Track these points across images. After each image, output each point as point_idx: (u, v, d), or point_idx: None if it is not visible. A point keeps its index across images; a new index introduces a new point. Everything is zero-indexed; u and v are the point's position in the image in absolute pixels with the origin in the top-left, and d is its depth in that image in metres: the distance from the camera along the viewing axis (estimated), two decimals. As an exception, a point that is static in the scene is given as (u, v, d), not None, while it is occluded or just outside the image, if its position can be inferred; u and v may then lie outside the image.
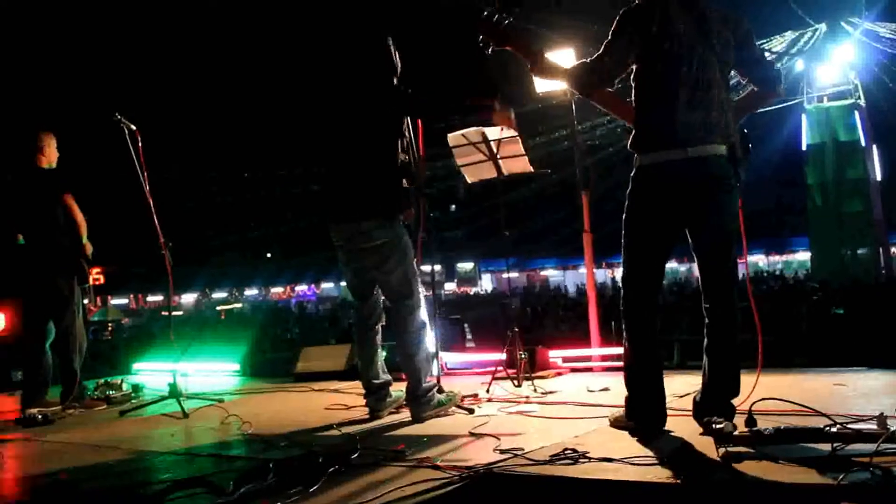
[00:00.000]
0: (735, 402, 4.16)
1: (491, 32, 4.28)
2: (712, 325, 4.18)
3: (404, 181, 5.32)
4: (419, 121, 5.47)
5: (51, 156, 6.97)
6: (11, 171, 6.99)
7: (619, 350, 7.17)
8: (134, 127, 6.40)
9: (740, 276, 4.46)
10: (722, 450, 3.48)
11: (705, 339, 4.20)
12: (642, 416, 4.19)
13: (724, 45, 4.14)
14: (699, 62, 4.08)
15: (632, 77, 4.23)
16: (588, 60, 4.22)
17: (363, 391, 5.55)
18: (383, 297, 5.56)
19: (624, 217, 4.25)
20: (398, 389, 5.57)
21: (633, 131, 4.20)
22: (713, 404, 4.07)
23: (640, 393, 4.22)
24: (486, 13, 4.24)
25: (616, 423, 4.38)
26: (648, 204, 4.16)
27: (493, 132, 6.09)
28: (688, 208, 4.12)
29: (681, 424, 4.24)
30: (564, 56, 6.54)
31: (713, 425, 3.63)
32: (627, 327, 4.27)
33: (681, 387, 5.14)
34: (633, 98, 4.23)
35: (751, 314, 4.38)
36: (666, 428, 4.22)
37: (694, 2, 4.15)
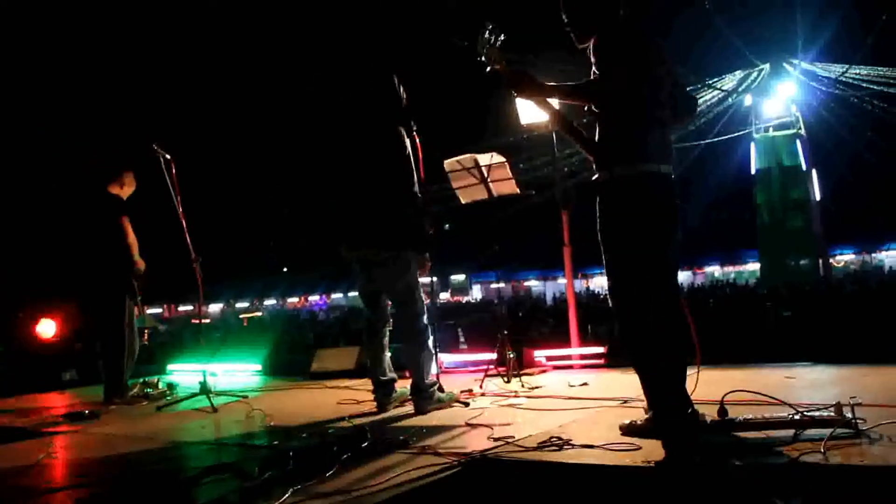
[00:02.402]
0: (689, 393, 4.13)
1: (489, 50, 4.18)
2: None
3: (415, 215, 5.27)
4: (419, 147, 5.44)
5: (124, 191, 7.13)
6: (79, 192, 7.09)
7: (596, 349, 7.22)
8: (168, 156, 6.40)
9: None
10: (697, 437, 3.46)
11: None
12: (676, 426, 3.67)
13: (665, 75, 4.12)
14: (660, 88, 4.06)
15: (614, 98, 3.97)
16: (600, 77, 3.97)
17: (372, 387, 5.52)
18: (390, 305, 5.55)
19: (599, 229, 3.96)
20: (402, 387, 5.55)
21: (607, 146, 3.94)
22: None
23: (668, 400, 3.75)
24: (486, 29, 4.17)
25: (634, 431, 3.81)
26: (626, 211, 3.86)
27: (484, 158, 6.08)
28: (653, 218, 3.86)
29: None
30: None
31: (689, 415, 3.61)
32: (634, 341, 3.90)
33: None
34: (606, 117, 3.98)
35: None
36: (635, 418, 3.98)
37: (651, 36, 4.14)
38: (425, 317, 5.40)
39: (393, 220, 5.21)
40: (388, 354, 5.56)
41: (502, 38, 4.18)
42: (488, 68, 4.20)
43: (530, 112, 6.67)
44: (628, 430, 3.83)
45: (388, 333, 5.57)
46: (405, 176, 5.23)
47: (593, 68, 4.06)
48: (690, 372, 4.05)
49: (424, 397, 5.21)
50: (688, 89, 4.49)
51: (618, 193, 3.90)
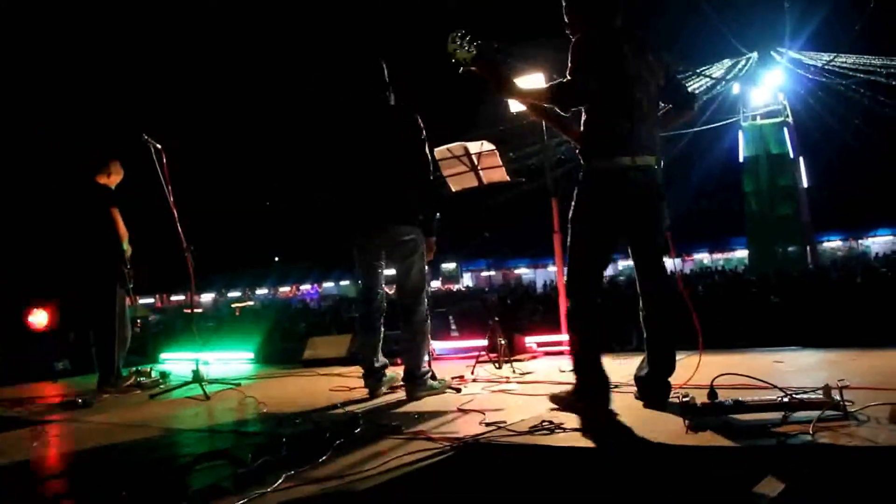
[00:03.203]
0: (686, 378, 4.27)
1: (463, 53, 4.26)
2: (650, 315, 4.21)
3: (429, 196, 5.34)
4: None
5: (112, 180, 7.11)
6: (68, 183, 7.08)
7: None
8: (159, 146, 6.36)
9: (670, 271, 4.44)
10: (687, 420, 3.48)
11: (643, 327, 4.24)
12: (591, 397, 4.11)
13: (655, 72, 4.21)
14: (643, 86, 4.15)
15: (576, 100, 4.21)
16: (565, 82, 4.13)
17: (363, 374, 5.52)
18: (384, 294, 5.55)
19: (572, 215, 4.19)
20: (392, 371, 5.58)
21: (587, 140, 4.18)
22: (654, 381, 4.15)
23: (587, 375, 4.15)
24: (458, 34, 4.23)
25: (558, 402, 4.27)
26: (600, 202, 4.11)
27: (474, 146, 6.07)
28: (632, 209, 4.11)
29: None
30: (534, 80, 6.50)
31: (680, 399, 3.66)
32: (576, 317, 4.21)
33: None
34: (587, 112, 4.19)
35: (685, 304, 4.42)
36: (627, 402, 4.22)
37: (637, 36, 4.23)
38: (426, 305, 5.40)
39: (414, 203, 5.26)
40: (380, 342, 5.55)
41: (476, 42, 4.24)
42: (461, 69, 4.29)
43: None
44: (553, 398, 4.32)
45: (382, 321, 5.57)
46: (425, 161, 5.28)
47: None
48: (682, 357, 4.17)
49: (418, 384, 5.23)
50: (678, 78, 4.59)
51: (594, 184, 4.13)
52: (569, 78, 4.10)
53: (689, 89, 4.55)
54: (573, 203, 4.19)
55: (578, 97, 4.13)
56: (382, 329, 5.57)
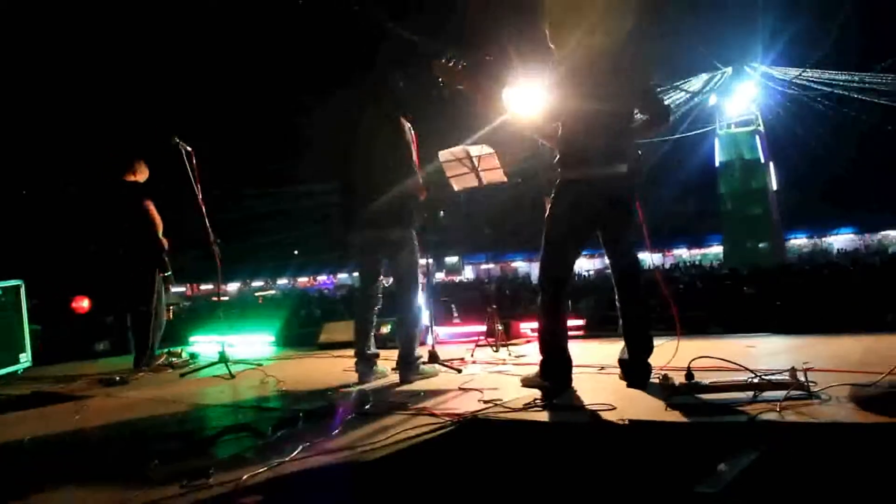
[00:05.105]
0: (666, 361, 4.26)
1: (448, 74, 4.27)
2: (624, 303, 4.28)
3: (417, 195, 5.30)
4: (415, 138, 5.40)
5: (139, 178, 7.12)
6: (100, 184, 7.09)
7: (576, 322, 7.21)
8: (189, 148, 6.35)
9: (649, 265, 4.49)
10: (666, 399, 3.48)
11: (620, 315, 4.29)
12: (556, 377, 4.17)
13: (631, 87, 4.22)
14: (617, 102, 4.17)
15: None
16: (545, 107, 4.26)
17: (355, 358, 5.41)
18: (381, 284, 5.52)
19: (548, 218, 4.25)
20: (385, 367, 5.50)
21: (565, 152, 4.24)
22: (635, 363, 4.18)
23: (554, 358, 4.21)
24: (443, 58, 4.24)
25: (527, 383, 4.35)
26: (575, 208, 4.17)
27: (475, 149, 6.05)
28: (605, 212, 4.19)
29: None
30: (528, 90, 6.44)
31: (660, 379, 3.67)
32: (547, 307, 4.24)
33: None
34: (563, 127, 4.25)
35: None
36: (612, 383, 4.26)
37: (615, 54, 4.21)
38: (420, 295, 5.37)
39: (404, 203, 5.21)
40: (371, 327, 5.50)
41: (463, 63, 4.24)
42: (448, 89, 4.31)
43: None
44: (524, 381, 4.39)
45: (377, 311, 5.52)
46: (408, 162, 5.21)
47: None
48: (660, 343, 4.19)
49: (411, 368, 5.20)
50: (658, 91, 4.62)
51: (570, 193, 4.20)
52: (548, 103, 4.22)
53: (665, 103, 4.55)
54: (549, 207, 4.26)
55: (554, 118, 4.26)
56: (375, 316, 5.50)
